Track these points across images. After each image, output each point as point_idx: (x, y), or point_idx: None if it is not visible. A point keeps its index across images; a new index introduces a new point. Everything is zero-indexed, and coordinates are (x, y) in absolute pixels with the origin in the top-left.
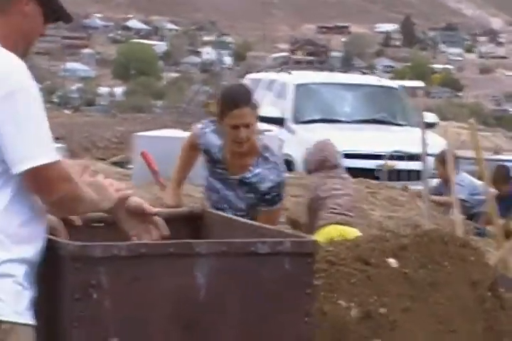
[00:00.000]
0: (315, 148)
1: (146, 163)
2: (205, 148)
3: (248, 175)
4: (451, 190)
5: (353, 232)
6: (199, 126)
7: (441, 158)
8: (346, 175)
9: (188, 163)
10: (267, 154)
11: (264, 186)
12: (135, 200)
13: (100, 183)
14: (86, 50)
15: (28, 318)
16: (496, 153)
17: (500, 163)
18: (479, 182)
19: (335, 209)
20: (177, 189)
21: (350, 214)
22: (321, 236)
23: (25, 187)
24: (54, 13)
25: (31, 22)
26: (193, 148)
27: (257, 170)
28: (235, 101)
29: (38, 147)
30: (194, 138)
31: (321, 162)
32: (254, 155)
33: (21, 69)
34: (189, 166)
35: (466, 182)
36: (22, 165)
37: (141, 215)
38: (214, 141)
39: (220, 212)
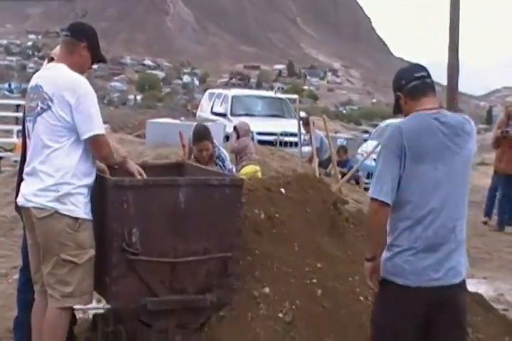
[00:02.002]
0: (243, 124)
1: (180, 138)
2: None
3: None
4: (312, 147)
5: (257, 168)
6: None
7: (305, 121)
8: None
9: (189, 154)
10: (218, 162)
11: None
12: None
13: (119, 149)
14: (122, 76)
15: (90, 216)
16: (335, 132)
17: (339, 138)
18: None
19: (251, 158)
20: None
21: (255, 162)
22: (245, 169)
23: (88, 148)
24: (97, 57)
25: (84, 61)
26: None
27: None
28: (199, 137)
29: (96, 124)
30: (190, 142)
31: (248, 130)
32: (211, 162)
33: (87, 83)
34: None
35: (318, 136)
36: (87, 134)
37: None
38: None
39: (196, 164)
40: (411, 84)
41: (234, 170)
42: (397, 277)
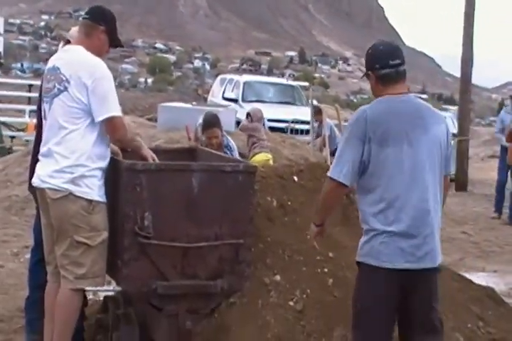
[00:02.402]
0: (257, 110)
1: (186, 131)
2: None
3: None
4: (323, 134)
5: (269, 156)
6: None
7: (317, 109)
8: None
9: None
10: (225, 150)
11: None
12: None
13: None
14: (133, 58)
15: (104, 199)
16: (346, 121)
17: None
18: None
19: (263, 146)
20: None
21: (267, 150)
22: (256, 157)
23: (104, 130)
24: (114, 42)
25: (102, 44)
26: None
27: None
28: (208, 125)
29: (112, 107)
30: (197, 129)
31: (260, 118)
32: (219, 151)
33: (104, 66)
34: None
35: (328, 124)
36: (102, 116)
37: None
38: (202, 138)
39: (209, 149)
40: (384, 71)
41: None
42: (372, 259)
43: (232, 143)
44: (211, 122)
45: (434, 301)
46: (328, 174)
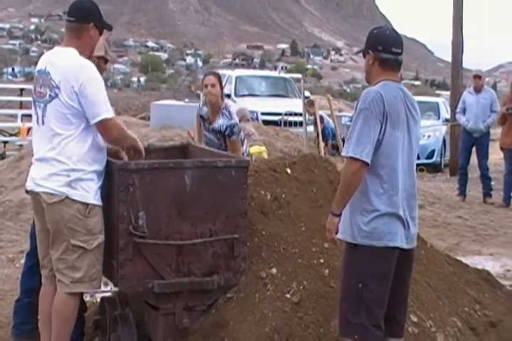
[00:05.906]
0: (238, 111)
1: (189, 134)
2: (201, 115)
3: (215, 125)
4: (317, 128)
5: (262, 149)
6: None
7: (309, 102)
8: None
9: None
10: (225, 111)
11: (222, 128)
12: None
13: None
14: (125, 58)
15: (99, 202)
16: (339, 111)
17: (344, 117)
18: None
19: (254, 139)
20: (199, 141)
21: (260, 142)
22: (250, 150)
23: (98, 132)
24: (103, 28)
25: (94, 40)
26: (198, 120)
27: (219, 121)
28: (206, 74)
29: (103, 108)
30: (197, 113)
31: (242, 116)
32: (219, 113)
33: (92, 67)
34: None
35: (323, 117)
36: (94, 119)
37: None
38: (204, 109)
39: (201, 145)
40: (385, 55)
41: (237, 122)
42: (375, 241)
43: (235, 115)
44: (209, 72)
45: (410, 276)
46: (350, 154)
